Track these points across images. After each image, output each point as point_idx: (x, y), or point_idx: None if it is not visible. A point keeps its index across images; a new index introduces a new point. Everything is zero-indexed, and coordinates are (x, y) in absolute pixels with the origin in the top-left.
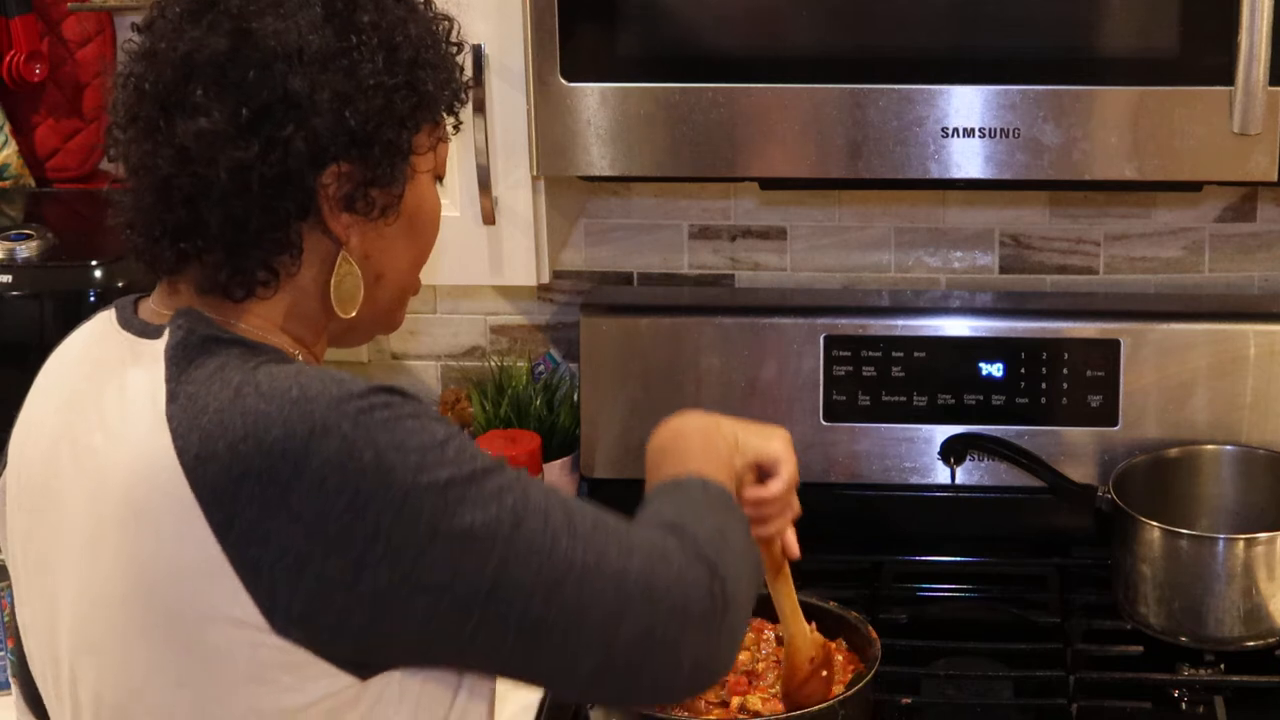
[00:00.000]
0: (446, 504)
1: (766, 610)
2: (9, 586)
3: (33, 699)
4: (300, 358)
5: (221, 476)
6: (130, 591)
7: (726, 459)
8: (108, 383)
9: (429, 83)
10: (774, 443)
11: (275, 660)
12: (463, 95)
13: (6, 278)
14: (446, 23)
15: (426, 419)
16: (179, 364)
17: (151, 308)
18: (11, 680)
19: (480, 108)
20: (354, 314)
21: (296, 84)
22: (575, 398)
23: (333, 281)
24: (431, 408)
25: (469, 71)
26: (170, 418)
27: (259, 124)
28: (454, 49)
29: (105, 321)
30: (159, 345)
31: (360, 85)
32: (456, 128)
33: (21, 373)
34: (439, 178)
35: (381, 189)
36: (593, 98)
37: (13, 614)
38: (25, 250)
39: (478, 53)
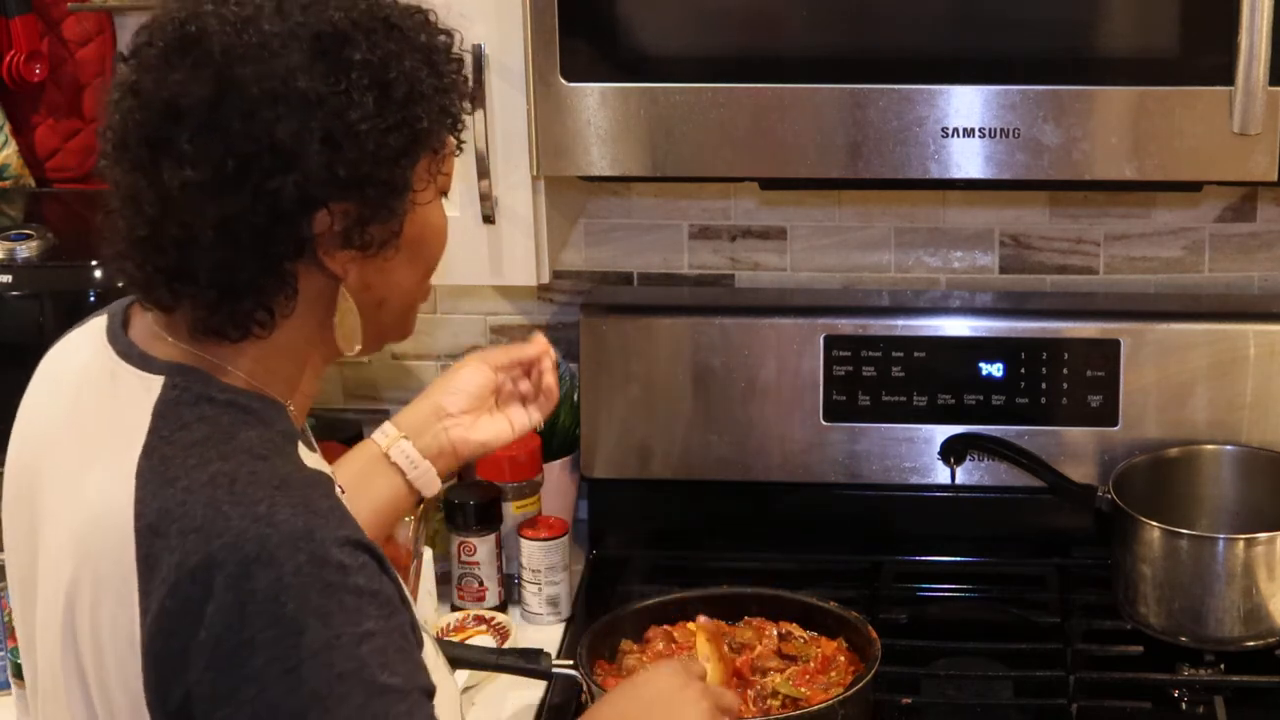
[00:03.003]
0: (330, 696)
1: (767, 609)
2: (9, 587)
3: None
4: (291, 408)
5: (168, 548)
6: (66, 632)
7: None
8: (89, 406)
9: (424, 119)
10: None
11: None
12: (466, 112)
13: (6, 278)
14: (445, 38)
15: (369, 600)
16: (165, 419)
17: (149, 327)
18: (11, 680)
19: (480, 108)
20: (358, 349)
21: (283, 132)
22: (575, 398)
23: (335, 321)
24: (386, 588)
25: (470, 79)
26: (139, 474)
27: (246, 174)
28: (454, 66)
29: (96, 332)
30: (150, 386)
31: (351, 129)
32: (459, 147)
33: (22, 373)
34: (444, 193)
35: (380, 225)
36: (593, 98)
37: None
38: (25, 250)
39: (478, 52)
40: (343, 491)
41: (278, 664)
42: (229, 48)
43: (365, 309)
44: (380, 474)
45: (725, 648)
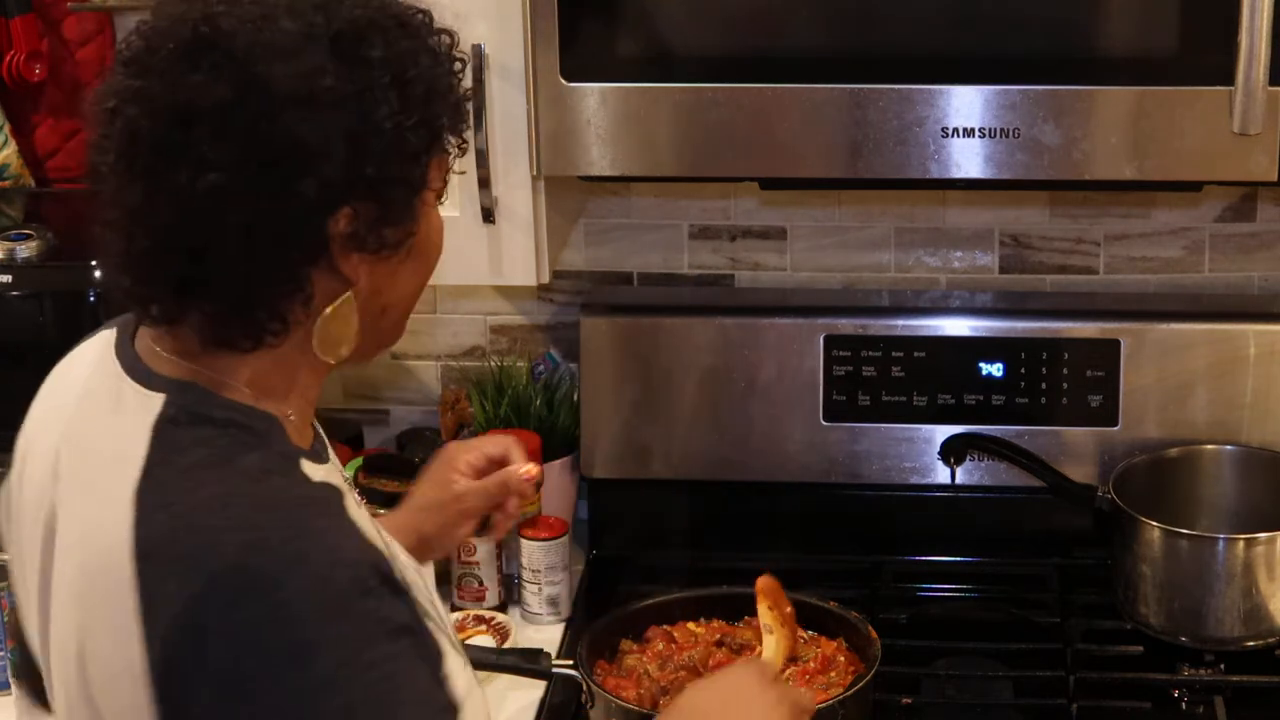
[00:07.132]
0: None
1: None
2: (9, 587)
3: (36, 692)
4: (292, 416)
5: (162, 576)
6: (75, 655)
7: None
8: (95, 424)
9: (441, 116)
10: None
11: None
12: (467, 114)
13: (6, 278)
14: (447, 37)
15: (374, 623)
16: (163, 440)
17: (149, 344)
18: (12, 681)
19: (480, 107)
20: (344, 356)
21: (306, 131)
22: (575, 398)
23: (318, 324)
24: (393, 608)
25: (468, 81)
26: (139, 495)
27: (268, 175)
28: (457, 65)
29: (105, 345)
30: (150, 405)
31: (375, 127)
32: (461, 148)
33: (21, 372)
34: (439, 196)
35: (395, 226)
36: (593, 98)
37: (13, 614)
38: (25, 250)
39: (478, 52)
40: (363, 502)
41: (282, 695)
42: (250, 47)
43: (369, 315)
44: None
45: (788, 608)
